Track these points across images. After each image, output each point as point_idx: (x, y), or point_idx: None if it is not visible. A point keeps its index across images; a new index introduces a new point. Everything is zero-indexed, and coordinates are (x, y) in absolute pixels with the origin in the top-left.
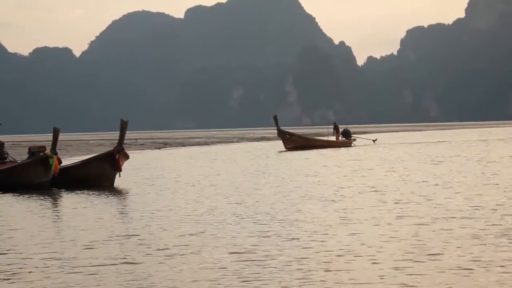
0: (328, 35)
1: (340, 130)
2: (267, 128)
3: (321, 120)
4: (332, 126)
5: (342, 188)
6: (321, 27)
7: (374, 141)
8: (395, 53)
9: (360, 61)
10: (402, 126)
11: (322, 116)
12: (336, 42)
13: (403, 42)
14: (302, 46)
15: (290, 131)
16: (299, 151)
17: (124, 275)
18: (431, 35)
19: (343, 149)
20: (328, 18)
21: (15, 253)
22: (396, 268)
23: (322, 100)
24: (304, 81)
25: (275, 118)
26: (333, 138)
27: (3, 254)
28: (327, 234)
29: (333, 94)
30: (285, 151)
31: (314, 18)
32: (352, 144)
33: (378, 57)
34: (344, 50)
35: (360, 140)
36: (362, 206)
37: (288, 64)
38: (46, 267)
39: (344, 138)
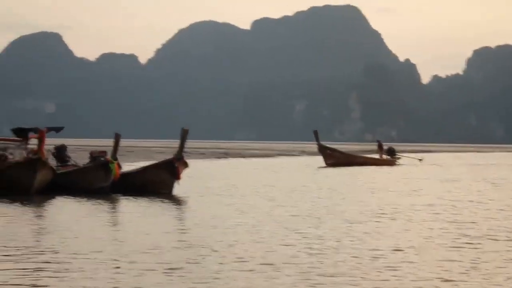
0: (393, 51)
1: (385, 147)
2: (329, 142)
3: (384, 137)
4: (377, 144)
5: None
6: (387, 44)
7: (420, 160)
8: (461, 72)
9: (425, 79)
10: (464, 147)
11: (385, 133)
12: (402, 59)
13: (469, 62)
14: (367, 62)
15: (332, 146)
16: (348, 167)
17: (170, 278)
18: (498, 55)
19: (386, 168)
20: (394, 35)
21: (66, 253)
22: None
23: (385, 117)
24: (368, 97)
25: (316, 132)
26: (377, 156)
27: (56, 253)
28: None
29: (397, 111)
30: (325, 167)
31: (379, 34)
32: (397, 163)
33: (444, 76)
34: (409, 68)
35: (405, 159)
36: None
37: (352, 79)
38: (93, 268)
39: (388, 156)
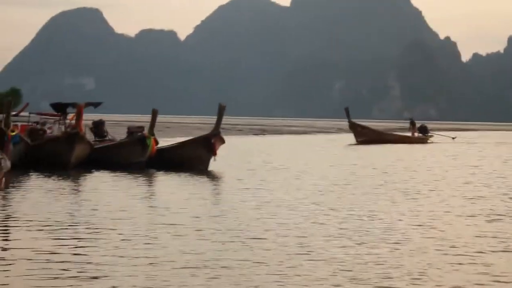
0: (434, 29)
1: (417, 125)
2: (368, 120)
3: (423, 116)
4: (409, 121)
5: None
6: (427, 22)
7: (453, 138)
8: (502, 51)
9: (465, 57)
10: (504, 125)
11: (424, 111)
12: (442, 37)
13: (510, 39)
14: (407, 40)
15: (363, 124)
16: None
17: (197, 256)
18: None
19: (418, 145)
20: (435, 13)
21: (100, 227)
22: None
23: (425, 95)
24: (408, 75)
25: (347, 110)
26: (408, 134)
27: (87, 227)
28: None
29: (436, 90)
30: (356, 144)
31: (420, 12)
32: (429, 141)
33: (484, 54)
34: (449, 46)
35: (437, 137)
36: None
37: (392, 57)
38: (121, 240)
39: (420, 134)
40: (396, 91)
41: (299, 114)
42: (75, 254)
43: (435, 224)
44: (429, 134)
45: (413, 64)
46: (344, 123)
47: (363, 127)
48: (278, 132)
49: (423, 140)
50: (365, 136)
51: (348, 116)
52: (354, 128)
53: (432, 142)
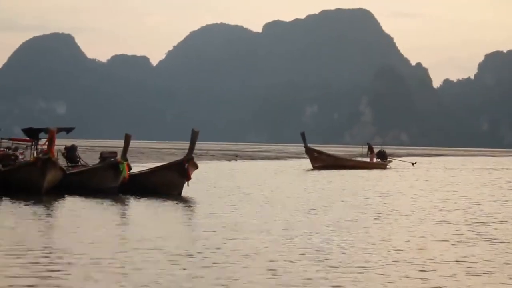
0: (405, 55)
1: (376, 150)
2: (340, 146)
3: (395, 141)
4: (367, 146)
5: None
6: (398, 47)
7: (413, 164)
8: (472, 77)
9: (436, 83)
10: (475, 151)
11: (396, 137)
12: (413, 63)
13: (481, 66)
14: (378, 66)
15: (319, 149)
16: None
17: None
18: (510, 60)
19: (376, 171)
20: (406, 39)
21: (64, 251)
22: None
23: (396, 121)
24: (379, 101)
25: (303, 134)
26: (366, 159)
27: (51, 253)
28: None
29: (408, 115)
30: (312, 170)
31: (392, 38)
32: (388, 166)
33: (455, 80)
34: (420, 72)
35: (397, 162)
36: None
37: (364, 83)
38: (83, 265)
39: (379, 160)
40: (368, 116)
41: (272, 139)
42: (41, 278)
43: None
44: (388, 159)
45: (385, 90)
46: (318, 148)
47: (320, 152)
48: (251, 157)
49: (381, 166)
50: (322, 162)
51: (304, 141)
52: (310, 153)
53: (390, 168)
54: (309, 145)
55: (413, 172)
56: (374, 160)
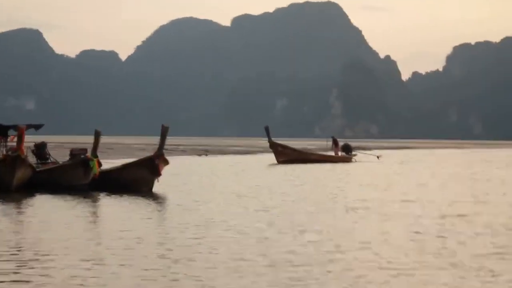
0: (373, 48)
1: (340, 144)
2: (310, 139)
3: (364, 133)
4: (331, 140)
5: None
6: (367, 40)
7: (378, 157)
8: (440, 69)
9: (405, 76)
10: (443, 143)
11: (365, 129)
12: (382, 56)
13: (449, 58)
14: (347, 59)
15: (283, 143)
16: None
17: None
18: (478, 52)
19: (341, 165)
20: (374, 32)
21: (36, 250)
22: None
23: (366, 113)
24: (348, 94)
25: (267, 128)
26: (331, 153)
27: (25, 250)
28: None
29: (377, 108)
30: (276, 164)
31: (360, 31)
32: (353, 160)
33: (423, 73)
34: (389, 64)
35: (362, 156)
36: None
37: (333, 76)
38: (53, 263)
39: (343, 153)
40: (337, 109)
41: (242, 133)
42: (9, 275)
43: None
44: (353, 153)
45: (354, 83)
46: (288, 142)
47: (284, 147)
48: (222, 152)
49: (347, 159)
50: (286, 156)
51: (268, 135)
52: (275, 148)
53: (355, 161)
54: (274, 139)
55: (369, 166)
56: (339, 153)
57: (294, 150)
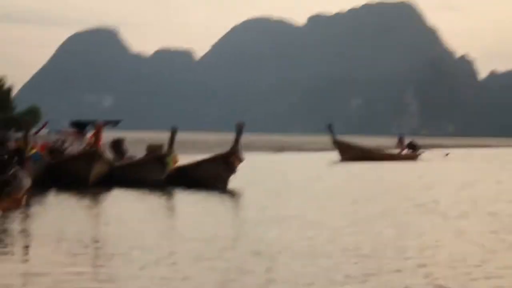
0: (450, 47)
1: (407, 141)
2: (385, 136)
3: (440, 132)
4: (398, 138)
5: None
6: (443, 39)
7: (446, 155)
8: None
9: (483, 74)
10: None
11: (441, 127)
12: (458, 55)
13: None
14: (423, 59)
15: (347, 141)
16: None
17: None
18: None
19: (407, 163)
20: (450, 31)
21: (121, 245)
22: None
23: (442, 112)
24: (424, 92)
25: (330, 126)
26: (396, 151)
27: (101, 245)
28: None
29: (453, 106)
30: (340, 162)
31: (435, 31)
32: (419, 158)
33: (502, 71)
34: (465, 63)
35: (429, 154)
36: None
37: (409, 75)
38: (131, 256)
39: (410, 151)
40: (413, 107)
41: (318, 131)
42: (88, 267)
43: None
44: (420, 150)
45: (430, 81)
46: (364, 140)
47: (348, 145)
48: (297, 149)
49: (412, 157)
50: (350, 154)
51: (332, 132)
52: (339, 145)
53: (422, 159)
54: (349, 137)
55: (437, 165)
56: (405, 151)
57: (357, 147)
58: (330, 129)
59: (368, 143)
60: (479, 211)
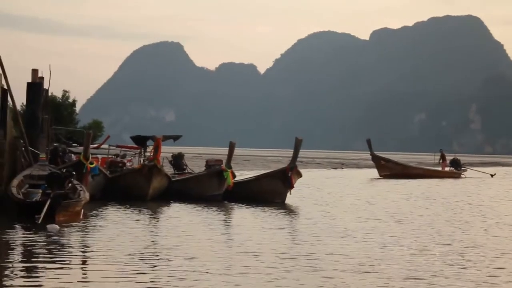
0: None
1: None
2: (448, 154)
3: (505, 149)
4: (439, 154)
5: None
6: (509, 55)
7: (492, 175)
8: None
9: None
10: None
11: (506, 145)
12: None
13: None
14: (488, 74)
15: (386, 157)
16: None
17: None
18: None
19: (450, 180)
20: None
21: (180, 259)
22: None
23: (506, 129)
24: (488, 109)
25: (369, 141)
26: (439, 168)
27: (169, 260)
28: None
29: None
30: (379, 178)
31: (502, 45)
32: (462, 176)
33: None
34: None
35: (473, 172)
36: None
37: (473, 91)
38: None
39: (452, 168)
40: (477, 124)
41: (379, 147)
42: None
43: None
44: (463, 168)
45: (494, 98)
46: (425, 156)
47: (387, 160)
48: (357, 165)
49: (454, 175)
50: (389, 170)
51: (370, 148)
52: (377, 161)
53: (465, 177)
54: (411, 154)
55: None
56: (447, 169)
57: (397, 163)
58: (368, 144)
59: (424, 160)
60: None
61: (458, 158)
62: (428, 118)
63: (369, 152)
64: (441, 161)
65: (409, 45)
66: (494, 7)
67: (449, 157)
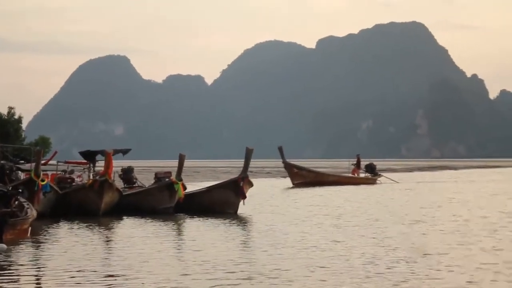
0: (460, 67)
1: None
2: (395, 160)
3: (452, 153)
4: (355, 160)
5: None
6: (454, 60)
7: (397, 182)
8: None
9: (493, 94)
10: None
11: (453, 149)
12: (469, 74)
13: None
14: (434, 79)
15: (299, 164)
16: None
17: None
18: None
19: (368, 187)
20: (461, 51)
21: (132, 276)
22: None
23: (453, 133)
24: (435, 114)
25: (280, 149)
26: (350, 174)
27: (121, 277)
28: None
29: (465, 127)
30: (292, 187)
31: (446, 51)
32: (378, 181)
33: None
34: (476, 83)
35: (385, 179)
36: None
37: (419, 96)
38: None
39: (367, 174)
40: (424, 129)
41: (328, 155)
42: None
43: None
44: (378, 174)
45: (441, 102)
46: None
47: (300, 168)
48: None
49: (369, 181)
50: (302, 178)
51: (282, 156)
52: (290, 169)
53: (381, 183)
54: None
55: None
56: (361, 175)
57: (310, 171)
58: (280, 151)
59: (381, 165)
60: None
61: (374, 163)
62: (375, 124)
63: (321, 160)
64: (354, 166)
65: (355, 52)
66: (437, 13)
67: (397, 162)
